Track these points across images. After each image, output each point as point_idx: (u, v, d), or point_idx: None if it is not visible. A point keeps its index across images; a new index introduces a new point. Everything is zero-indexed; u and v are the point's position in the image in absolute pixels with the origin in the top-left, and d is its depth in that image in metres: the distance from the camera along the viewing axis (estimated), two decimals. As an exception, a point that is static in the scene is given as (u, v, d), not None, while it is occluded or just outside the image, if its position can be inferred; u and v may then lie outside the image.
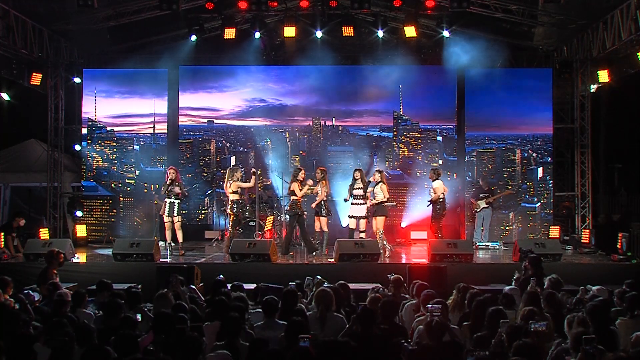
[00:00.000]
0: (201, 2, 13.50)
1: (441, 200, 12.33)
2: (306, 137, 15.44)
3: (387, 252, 11.88)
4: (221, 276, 8.63)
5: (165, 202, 12.01)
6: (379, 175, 12.10)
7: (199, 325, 5.84)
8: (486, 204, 13.61)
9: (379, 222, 11.90)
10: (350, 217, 12.22)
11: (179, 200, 12.03)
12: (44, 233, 13.32)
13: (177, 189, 11.93)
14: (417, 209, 14.44)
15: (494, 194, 13.75)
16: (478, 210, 13.71)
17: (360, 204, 12.05)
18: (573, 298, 6.70)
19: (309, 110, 15.37)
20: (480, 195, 13.76)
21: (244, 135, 15.45)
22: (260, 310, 6.30)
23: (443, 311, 5.73)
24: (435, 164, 14.13)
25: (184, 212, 12.97)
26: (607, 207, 15.78)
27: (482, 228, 13.66)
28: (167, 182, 12.01)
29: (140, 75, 14.94)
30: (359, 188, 12.07)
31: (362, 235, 12.03)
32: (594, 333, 4.82)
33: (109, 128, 15.09)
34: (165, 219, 12.09)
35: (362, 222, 12.07)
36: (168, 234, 12.14)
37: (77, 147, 15.24)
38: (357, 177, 12.14)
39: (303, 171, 12.18)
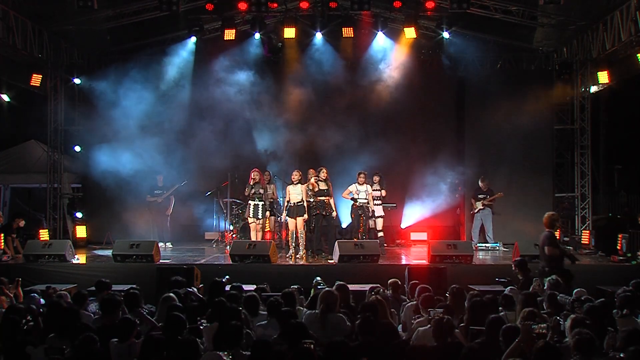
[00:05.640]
0: (201, 3, 13.51)
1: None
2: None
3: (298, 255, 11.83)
4: (227, 277, 8.69)
5: (250, 204, 12.22)
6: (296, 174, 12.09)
7: (197, 327, 5.83)
8: (482, 205, 13.58)
9: (298, 223, 11.89)
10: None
11: (262, 202, 12.20)
12: (44, 234, 13.33)
13: (261, 191, 12.18)
14: (417, 210, 14.46)
15: (492, 195, 13.71)
16: (475, 211, 13.68)
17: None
18: (570, 298, 6.70)
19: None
20: (479, 196, 13.70)
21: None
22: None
23: (446, 314, 5.74)
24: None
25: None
26: (607, 207, 15.77)
27: (486, 230, 13.61)
28: (251, 184, 12.20)
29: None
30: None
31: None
32: (592, 333, 4.82)
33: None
34: (250, 220, 12.29)
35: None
36: (253, 234, 12.26)
37: (77, 148, 15.22)
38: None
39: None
